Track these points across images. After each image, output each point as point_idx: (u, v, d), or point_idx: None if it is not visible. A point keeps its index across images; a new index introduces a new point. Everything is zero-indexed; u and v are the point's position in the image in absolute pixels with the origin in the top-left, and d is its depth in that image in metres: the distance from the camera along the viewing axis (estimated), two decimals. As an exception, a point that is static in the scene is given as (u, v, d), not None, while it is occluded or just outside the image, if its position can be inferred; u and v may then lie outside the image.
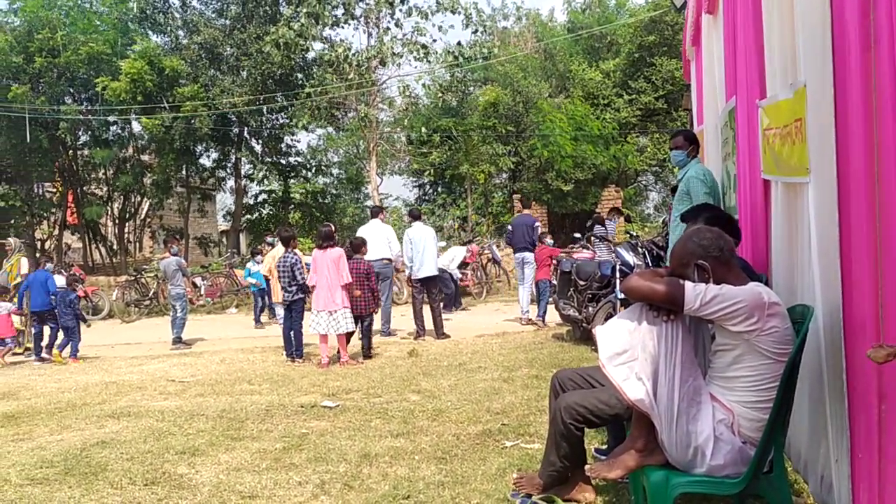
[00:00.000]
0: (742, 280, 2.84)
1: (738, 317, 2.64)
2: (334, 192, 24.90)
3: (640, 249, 9.53)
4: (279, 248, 10.14)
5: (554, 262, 10.85)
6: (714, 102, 6.08)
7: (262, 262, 12.73)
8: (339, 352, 8.51)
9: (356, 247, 9.23)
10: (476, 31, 19.65)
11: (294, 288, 8.78)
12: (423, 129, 20.33)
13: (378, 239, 10.43)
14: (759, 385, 2.69)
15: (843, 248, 2.61)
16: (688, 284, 2.73)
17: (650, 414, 2.73)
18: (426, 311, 10.44)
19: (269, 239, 15.19)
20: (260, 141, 22.16)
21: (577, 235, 14.55)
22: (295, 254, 9.08)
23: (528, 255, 11.30)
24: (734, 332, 2.68)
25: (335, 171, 25.94)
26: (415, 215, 11.11)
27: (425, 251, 10.27)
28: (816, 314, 2.84)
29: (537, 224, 11.87)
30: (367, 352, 8.88)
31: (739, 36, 4.47)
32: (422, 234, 10.41)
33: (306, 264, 9.27)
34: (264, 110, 20.66)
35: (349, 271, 8.61)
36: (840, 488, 2.79)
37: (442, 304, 11.29)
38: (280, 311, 10.17)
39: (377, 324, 10.07)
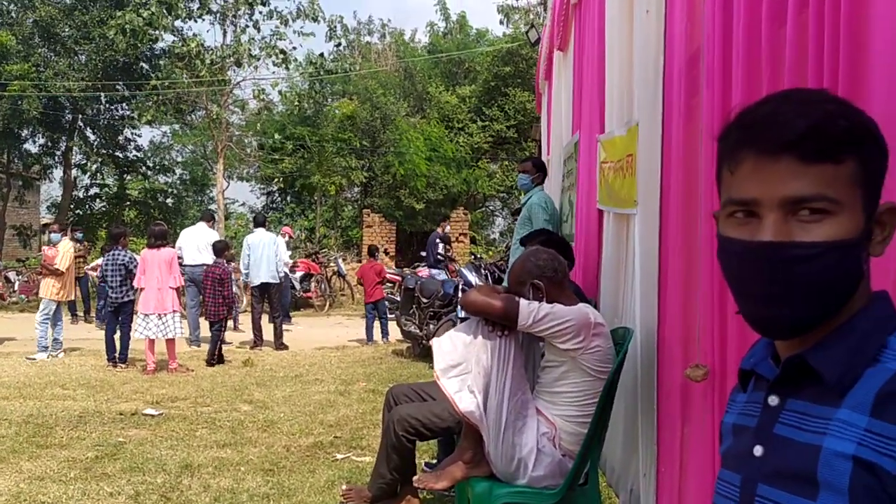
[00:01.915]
0: (573, 301, 2.99)
1: (566, 335, 2.77)
2: (176, 192, 23.74)
3: (482, 271, 9.82)
4: (66, 243, 9.44)
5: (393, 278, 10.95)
6: (560, 135, 6.40)
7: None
8: (168, 357, 8.09)
9: (219, 251, 8.91)
10: (339, 44, 19.56)
11: (124, 288, 8.25)
12: (277, 136, 19.88)
13: (201, 243, 10.15)
14: (581, 400, 2.83)
15: (662, 275, 2.81)
16: (522, 302, 2.83)
17: (479, 426, 2.80)
18: (263, 320, 10.16)
19: (78, 234, 14.14)
20: (96, 131, 20.73)
21: (424, 254, 14.75)
22: (128, 252, 8.55)
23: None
24: (562, 349, 2.81)
25: (178, 170, 24.77)
26: (259, 221, 10.80)
27: (262, 258, 9.99)
28: (635, 336, 3.04)
29: (437, 241, 12.13)
30: (211, 358, 8.48)
31: (585, 74, 4.74)
32: (260, 239, 10.12)
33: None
34: (103, 98, 19.38)
35: (207, 274, 8.31)
36: (647, 501, 2.98)
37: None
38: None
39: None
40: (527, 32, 12.18)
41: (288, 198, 22.57)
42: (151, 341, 7.95)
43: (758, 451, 0.97)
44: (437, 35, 24.41)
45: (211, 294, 8.57)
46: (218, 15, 18.32)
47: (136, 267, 8.24)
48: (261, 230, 10.39)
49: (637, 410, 3.13)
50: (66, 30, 18.56)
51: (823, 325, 0.93)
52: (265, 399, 6.54)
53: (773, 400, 0.98)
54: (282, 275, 10.73)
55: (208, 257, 9.65)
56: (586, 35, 4.72)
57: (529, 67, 19.46)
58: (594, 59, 4.33)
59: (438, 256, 11.36)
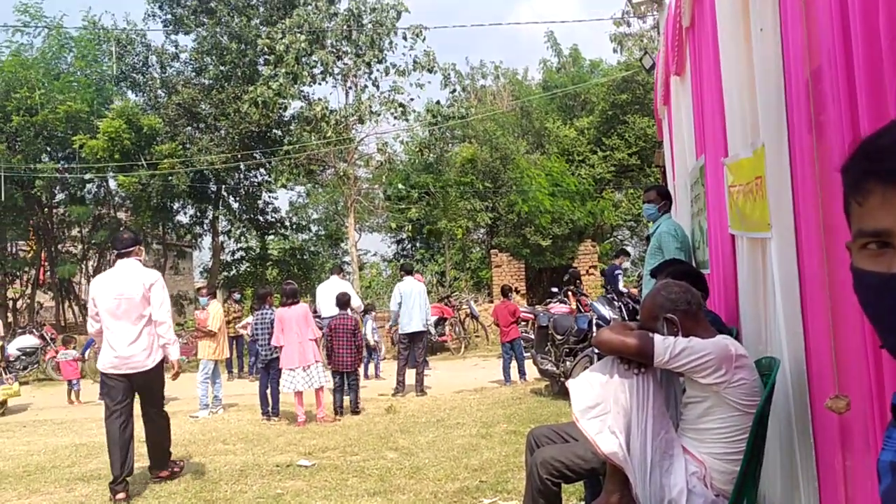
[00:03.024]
0: (710, 333, 2.90)
1: (706, 369, 2.69)
2: (312, 248, 24.90)
3: (616, 303, 9.63)
4: (215, 305, 10.05)
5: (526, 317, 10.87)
6: (684, 159, 6.25)
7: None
8: (316, 408, 8.44)
9: (343, 303, 9.26)
10: (454, 90, 20.07)
11: (274, 345, 8.73)
12: (401, 186, 20.55)
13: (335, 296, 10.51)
14: (730, 437, 2.72)
15: (804, 300, 2.68)
16: (657, 337, 2.78)
17: (624, 467, 2.75)
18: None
19: (236, 295, 15.12)
20: (237, 198, 22.22)
21: (554, 290, 14.65)
22: (274, 310, 9.06)
23: None
24: (703, 384, 2.72)
25: (314, 227, 26.01)
26: (407, 269, 11.14)
27: (415, 306, 10.28)
28: (783, 366, 2.90)
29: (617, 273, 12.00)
30: (356, 406, 8.80)
31: (706, 96, 4.63)
32: (412, 288, 10.43)
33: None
34: (242, 168, 20.78)
35: (336, 326, 8.66)
36: (813, 540, 2.80)
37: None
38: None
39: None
40: (641, 59, 12.06)
41: (417, 244, 23.14)
42: (299, 394, 8.33)
43: None
44: (550, 70, 24.52)
45: (345, 345, 8.85)
46: (339, 77, 19.32)
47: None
48: (410, 279, 10.71)
49: (793, 444, 2.96)
50: (206, 108, 20.13)
51: None
52: (410, 445, 6.67)
53: (928, 434, 0.94)
54: (431, 323, 11.01)
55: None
56: (703, 58, 4.62)
57: (647, 93, 19.15)
58: (713, 82, 4.24)
59: (621, 290, 11.11)
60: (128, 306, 5.57)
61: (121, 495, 5.27)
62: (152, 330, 5.63)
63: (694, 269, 4.20)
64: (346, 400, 8.87)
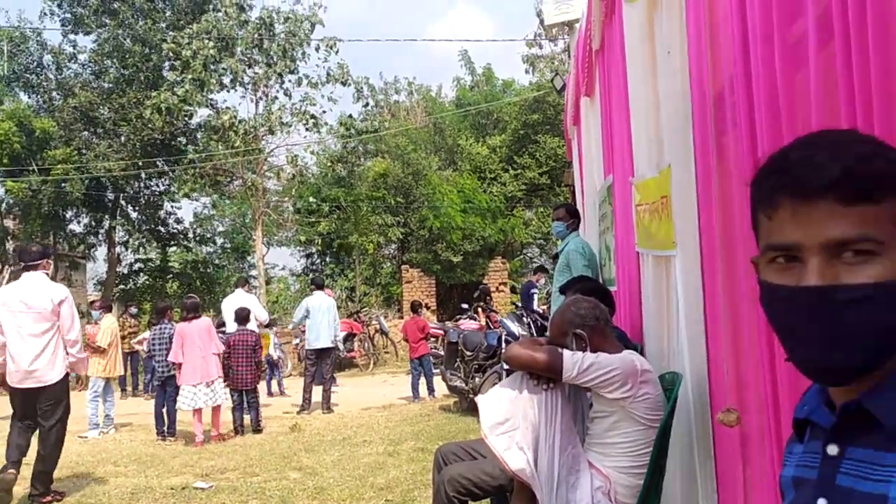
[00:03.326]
0: (617, 349, 2.94)
1: (613, 384, 2.72)
2: (217, 261, 24.20)
3: (525, 320, 9.73)
4: (108, 319, 9.59)
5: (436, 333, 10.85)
6: (593, 179, 6.39)
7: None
8: (213, 427, 8.14)
9: (243, 318, 8.94)
10: (367, 104, 19.99)
11: (171, 362, 8.35)
12: (312, 199, 20.24)
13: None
14: (634, 451, 2.75)
15: (706, 316, 2.75)
16: (566, 353, 2.79)
17: (531, 484, 2.74)
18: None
19: (132, 310, 14.49)
20: (137, 207, 21.35)
21: (465, 306, 14.72)
22: (174, 325, 8.69)
23: None
24: (610, 398, 2.75)
25: (219, 239, 25.29)
26: (318, 284, 10.92)
27: (323, 322, 10.07)
28: (685, 380, 2.96)
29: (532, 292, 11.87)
30: (257, 425, 8.52)
31: (614, 117, 4.74)
32: (321, 303, 10.22)
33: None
34: (143, 176, 20.00)
35: (235, 342, 8.38)
36: (712, 552, 2.86)
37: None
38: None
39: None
40: (552, 80, 12.33)
41: (327, 259, 22.84)
42: (198, 412, 8.00)
43: (821, 503, 0.94)
44: (463, 88, 24.80)
45: (244, 362, 8.55)
46: (250, 86, 18.92)
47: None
48: (320, 293, 10.49)
49: (694, 458, 3.03)
50: (105, 112, 19.30)
51: (879, 369, 0.90)
52: (314, 465, 6.50)
53: (833, 449, 0.95)
54: (339, 339, 10.80)
55: (252, 323, 9.76)
56: (612, 79, 4.74)
57: (557, 114, 19.62)
58: (621, 103, 4.34)
59: (534, 308, 11.07)
60: (34, 320, 5.44)
61: (11, 471, 5.20)
62: (57, 344, 5.49)
63: (601, 286, 4.28)
64: (247, 419, 8.58)
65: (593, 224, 6.38)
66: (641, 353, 3.76)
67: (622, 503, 2.76)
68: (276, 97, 19.08)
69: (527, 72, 22.83)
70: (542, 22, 12.46)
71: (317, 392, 9.98)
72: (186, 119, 19.39)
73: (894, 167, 0.89)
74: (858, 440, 0.92)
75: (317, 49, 18.87)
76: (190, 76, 17.68)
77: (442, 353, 10.59)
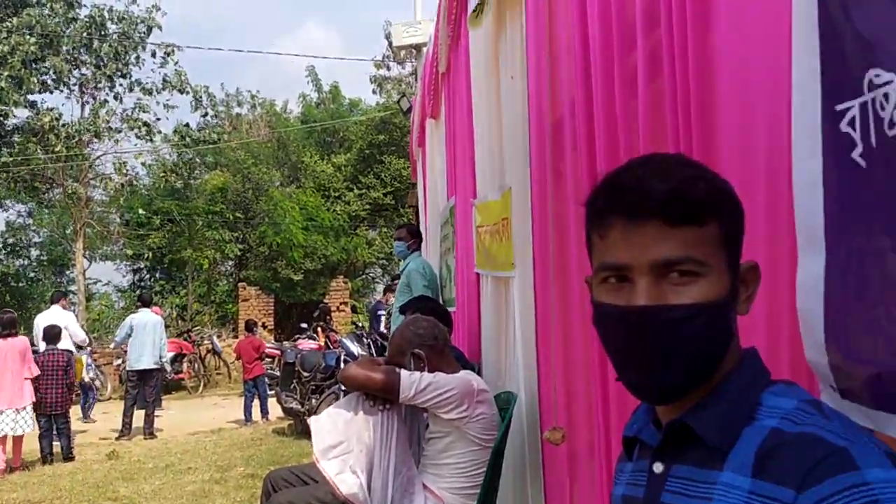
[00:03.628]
0: (455, 369, 2.94)
1: (450, 404, 2.71)
2: (32, 274, 22.14)
3: (365, 340, 9.64)
4: None
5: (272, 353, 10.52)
6: (436, 200, 6.46)
7: None
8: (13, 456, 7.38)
9: (52, 337, 8.15)
10: (206, 113, 19.18)
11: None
12: (142, 211, 19.04)
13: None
14: (468, 471, 2.75)
15: (538, 337, 2.81)
16: (404, 373, 2.75)
17: (364, 508, 2.66)
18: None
19: None
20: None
21: (304, 325, 14.38)
22: None
23: None
24: (446, 419, 2.74)
25: (35, 251, 23.15)
26: (144, 301, 10.21)
27: (147, 341, 9.41)
28: (519, 400, 3.01)
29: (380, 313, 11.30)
30: (69, 453, 7.78)
31: (458, 140, 4.81)
32: (146, 321, 9.55)
33: None
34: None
35: (44, 363, 7.63)
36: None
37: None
38: None
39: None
40: (399, 101, 12.44)
41: (157, 275, 21.56)
42: (3, 438, 7.22)
43: None
44: (309, 105, 24.46)
45: (54, 384, 7.78)
46: (76, 87, 17.61)
47: None
48: (146, 310, 9.80)
49: (525, 478, 3.08)
50: None
51: (701, 387, 0.92)
52: (132, 494, 6.03)
53: (658, 467, 0.96)
54: (165, 359, 10.14)
55: (68, 342, 8.95)
56: (457, 102, 4.82)
57: (403, 135, 19.80)
58: (465, 126, 4.41)
59: (382, 331, 10.75)
60: None
61: None
62: None
63: (440, 306, 4.30)
64: (57, 446, 7.82)
65: (435, 245, 6.45)
66: (478, 373, 3.79)
67: (456, 525, 2.74)
68: (105, 101, 17.86)
69: (374, 92, 22.94)
70: (390, 44, 12.57)
71: (139, 416, 9.32)
72: (1, 119, 17.68)
73: (716, 191, 0.92)
74: (682, 458, 0.94)
75: (153, 54, 17.91)
76: (6, 73, 16.16)
77: (278, 374, 10.25)
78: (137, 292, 19.49)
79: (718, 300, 0.89)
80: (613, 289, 0.93)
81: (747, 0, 1.31)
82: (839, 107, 0.99)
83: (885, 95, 0.89)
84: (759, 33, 1.26)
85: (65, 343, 9.00)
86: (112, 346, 9.57)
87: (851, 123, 0.97)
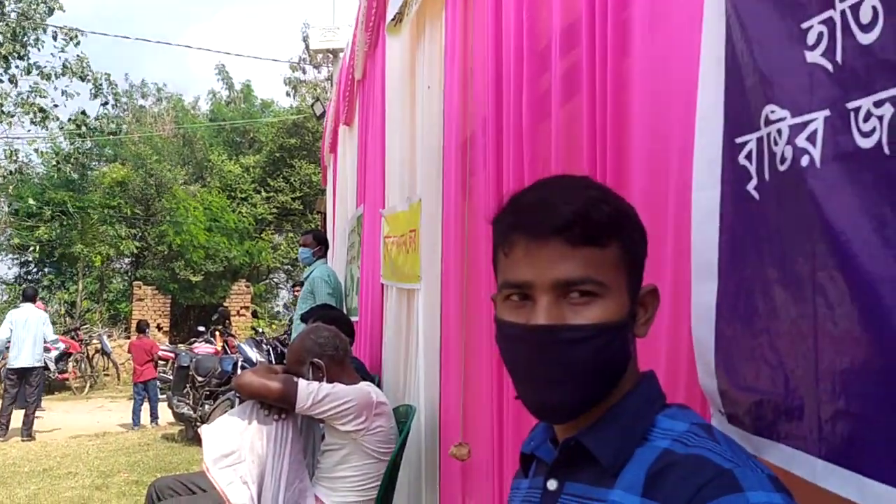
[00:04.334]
0: (354, 379, 2.90)
1: (347, 416, 2.66)
2: None
3: (264, 346, 9.42)
4: None
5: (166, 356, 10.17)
6: (345, 207, 6.40)
7: None
8: None
9: None
10: (106, 102, 18.34)
11: None
12: (32, 201, 18.00)
13: None
14: (363, 485, 2.71)
15: (443, 352, 2.81)
16: (301, 382, 2.69)
17: (253, 521, 2.58)
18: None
19: None
20: None
21: (202, 328, 13.93)
22: None
23: None
24: (343, 431, 2.69)
25: None
26: (27, 295, 9.61)
27: (28, 337, 8.86)
28: (419, 414, 3.00)
29: None
30: None
31: (370, 148, 4.79)
32: (28, 317, 9.00)
33: None
34: None
35: None
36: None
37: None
38: None
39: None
40: (312, 105, 12.30)
41: (46, 268, 20.42)
42: None
43: None
44: (219, 103, 23.83)
45: None
46: (-34, 67, 16.55)
47: None
48: (29, 305, 9.24)
49: (421, 492, 3.06)
50: None
51: (597, 407, 0.94)
52: (4, 500, 5.68)
53: (552, 484, 0.97)
54: (51, 357, 9.58)
55: None
56: (371, 110, 4.79)
57: (315, 140, 19.57)
58: (378, 134, 4.39)
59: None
60: None
61: None
62: None
63: (344, 316, 4.24)
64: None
65: (342, 253, 6.38)
66: (378, 384, 3.76)
67: (347, 539, 2.69)
68: (-1, 82, 16.83)
69: (288, 94, 22.59)
70: (307, 47, 12.41)
71: (17, 417, 8.77)
72: None
73: (618, 214, 0.94)
74: (576, 476, 0.95)
75: (54, 37, 17.01)
76: None
77: (171, 377, 9.87)
78: (23, 286, 18.42)
79: (616, 322, 0.91)
80: (515, 306, 0.93)
81: (663, 28, 1.35)
82: (738, 139, 1.03)
83: (779, 131, 0.92)
84: (673, 62, 1.30)
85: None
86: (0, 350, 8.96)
87: (748, 157, 1.01)
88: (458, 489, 2.60)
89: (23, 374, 8.85)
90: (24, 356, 8.82)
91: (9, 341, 8.88)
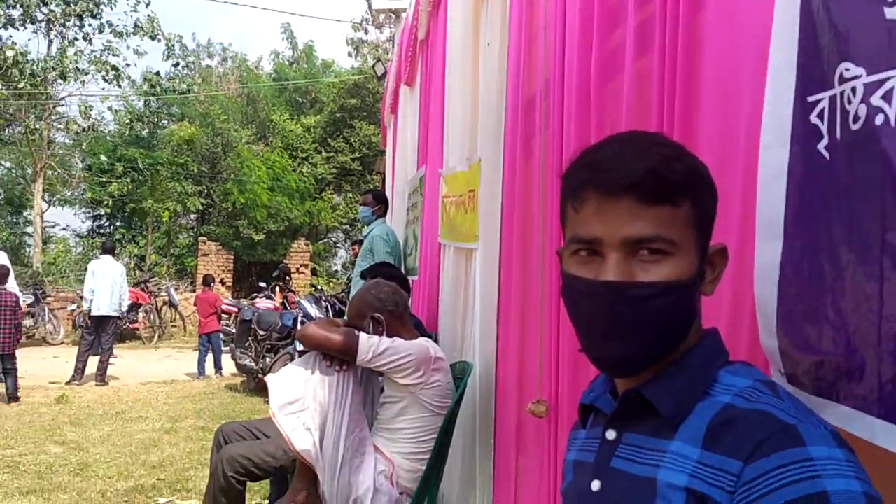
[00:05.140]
0: (413, 335, 2.96)
1: (406, 370, 2.73)
2: (-14, 213, 21.59)
3: (323, 303, 9.62)
4: None
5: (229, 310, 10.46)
6: (405, 168, 6.43)
7: None
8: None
9: (2, 276, 7.96)
10: (177, 63, 18.74)
11: None
12: (105, 157, 18.60)
13: None
14: (420, 437, 2.78)
15: (501, 310, 2.84)
16: (362, 335, 2.76)
17: (314, 465, 2.68)
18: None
19: None
20: None
21: (262, 284, 14.29)
22: None
23: None
24: (401, 384, 2.76)
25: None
26: (106, 248, 10.02)
27: (107, 288, 9.27)
28: (475, 371, 3.05)
29: None
30: (14, 393, 7.66)
31: (431, 109, 4.79)
32: (107, 268, 9.40)
33: None
34: None
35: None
36: (483, 537, 2.97)
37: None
38: None
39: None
40: (373, 66, 12.29)
41: (117, 223, 21.16)
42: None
43: (595, 485, 0.98)
44: (282, 63, 24.04)
45: (3, 324, 7.61)
46: (43, 24, 17.06)
47: None
48: (108, 258, 9.65)
49: (475, 446, 3.13)
50: None
51: (660, 361, 0.95)
52: (80, 439, 5.98)
53: (611, 434, 0.99)
54: (125, 308, 10.02)
55: (11, 283, 8.67)
56: (433, 70, 4.79)
57: (375, 101, 19.60)
58: (439, 94, 4.39)
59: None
60: None
61: None
62: None
63: (400, 273, 4.30)
64: (1, 387, 7.70)
65: (401, 213, 6.43)
66: (435, 341, 3.82)
67: (403, 487, 2.78)
68: (74, 40, 17.31)
69: (350, 55, 22.62)
70: (370, 6, 12.37)
71: (92, 363, 9.21)
72: (-38, 50, 17.05)
73: (691, 172, 0.94)
74: (635, 427, 0.97)
75: (125, -5, 17.40)
76: (-30, 3, 15.60)
77: (234, 330, 10.19)
78: (96, 239, 19.15)
79: (685, 280, 0.91)
80: (583, 261, 0.94)
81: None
82: (810, 98, 1.02)
83: (853, 89, 0.91)
84: (746, 19, 1.28)
85: (12, 285, 8.78)
86: (85, 294, 9.36)
87: (820, 115, 0.99)
88: (512, 446, 2.65)
89: (100, 322, 9.27)
90: (103, 305, 9.24)
91: (92, 291, 9.30)
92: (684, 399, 0.92)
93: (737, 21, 1.31)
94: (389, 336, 2.85)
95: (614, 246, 0.91)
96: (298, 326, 8.31)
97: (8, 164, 22.35)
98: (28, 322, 12.44)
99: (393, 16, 10.98)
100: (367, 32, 22.28)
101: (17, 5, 16.49)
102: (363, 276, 4.24)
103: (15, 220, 23.23)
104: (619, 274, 0.90)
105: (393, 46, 11.04)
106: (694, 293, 0.95)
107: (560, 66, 2.19)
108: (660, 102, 1.52)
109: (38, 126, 17.09)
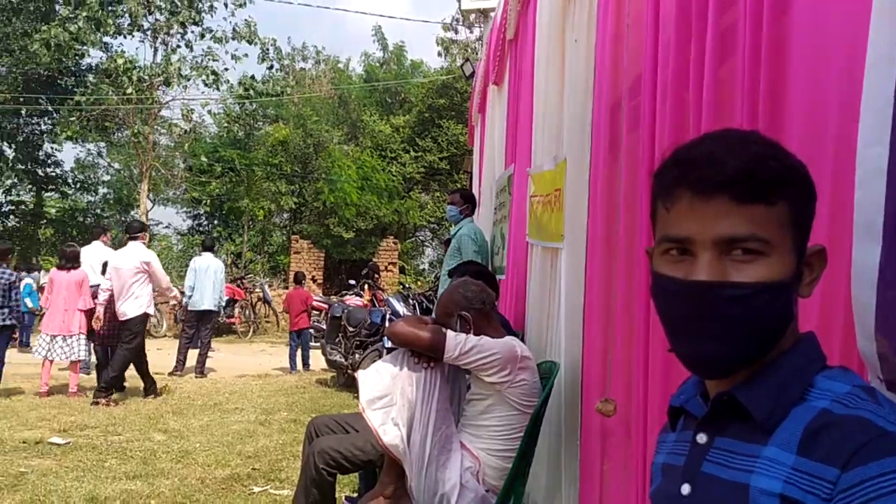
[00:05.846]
0: (500, 333, 2.98)
1: (492, 368, 2.75)
2: (99, 211, 22.91)
3: (410, 301, 9.75)
4: None
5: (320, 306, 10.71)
6: (493, 168, 6.44)
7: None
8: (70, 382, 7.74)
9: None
10: (272, 66, 19.38)
11: (5, 311, 7.54)
12: (205, 158, 19.46)
13: (95, 262, 9.13)
14: (506, 434, 2.80)
15: (586, 309, 2.82)
16: (450, 333, 2.80)
17: (402, 460, 2.73)
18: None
19: None
20: (13, 145, 19.84)
21: (352, 282, 14.59)
22: (8, 271, 7.79)
23: None
24: (488, 382, 2.78)
25: (103, 189, 23.91)
26: (207, 245, 10.58)
27: (208, 284, 9.75)
28: (561, 371, 3.04)
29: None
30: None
31: (520, 108, 4.78)
32: (208, 265, 9.88)
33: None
34: (23, 112, 18.61)
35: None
36: (568, 538, 2.96)
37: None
38: None
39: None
40: (462, 65, 12.35)
41: (215, 221, 22.09)
42: (50, 362, 7.64)
43: (685, 489, 0.97)
44: (372, 64, 24.49)
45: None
46: (149, 33, 17.96)
47: (17, 291, 7.76)
48: (208, 255, 10.16)
49: (561, 446, 3.12)
50: (-13, 41, 17.86)
51: (753, 364, 0.93)
52: (181, 428, 6.28)
53: (702, 437, 0.98)
54: (223, 303, 10.48)
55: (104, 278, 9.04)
56: (521, 69, 4.78)
57: (463, 101, 19.69)
58: (527, 93, 4.38)
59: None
60: None
61: None
62: None
63: (488, 272, 4.32)
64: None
65: (489, 212, 6.44)
66: (522, 340, 3.82)
67: (490, 484, 2.80)
68: (177, 47, 18.18)
69: (439, 55, 22.80)
70: (459, 6, 12.44)
71: (192, 356, 9.66)
72: (77, 58, 18.17)
73: (787, 170, 0.91)
74: (727, 430, 0.95)
75: (225, 4, 18.12)
76: (85, 13, 16.56)
77: (324, 326, 10.46)
78: (195, 237, 20.03)
79: (780, 281, 0.89)
80: (674, 261, 0.93)
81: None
82: (911, 94, 0.98)
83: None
84: (837, 14, 1.24)
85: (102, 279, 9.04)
86: (186, 290, 9.81)
87: (923, 112, 0.96)
88: (597, 448, 2.63)
89: (201, 316, 9.73)
90: (205, 300, 9.69)
91: (192, 287, 9.76)
92: (779, 403, 0.90)
93: (827, 17, 1.27)
94: (476, 334, 2.87)
95: (706, 245, 0.89)
96: (386, 324, 8.46)
97: (117, 166, 23.68)
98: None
99: (482, 16, 11.01)
100: (456, 32, 22.42)
101: (126, 14, 17.42)
102: (450, 274, 4.28)
103: (123, 218, 24.58)
104: (711, 274, 0.89)
105: (481, 46, 11.06)
106: (790, 295, 0.92)
107: (653, 63, 2.15)
108: (747, 101, 1.49)
109: (144, 130, 18.01)
